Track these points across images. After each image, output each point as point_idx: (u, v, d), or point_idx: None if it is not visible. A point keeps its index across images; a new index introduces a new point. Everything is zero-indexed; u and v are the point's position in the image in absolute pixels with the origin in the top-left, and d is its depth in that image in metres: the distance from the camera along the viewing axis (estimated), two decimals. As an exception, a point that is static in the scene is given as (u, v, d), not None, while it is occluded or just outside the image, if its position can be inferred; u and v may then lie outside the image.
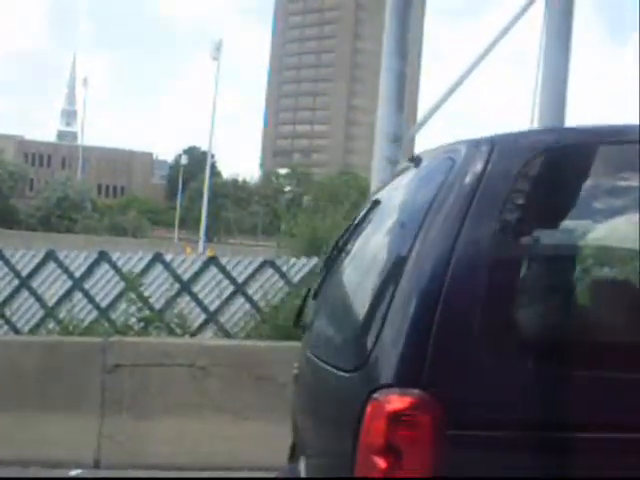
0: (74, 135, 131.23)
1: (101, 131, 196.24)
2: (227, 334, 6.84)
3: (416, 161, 2.79)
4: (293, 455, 3.63)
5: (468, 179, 2.31)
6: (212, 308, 6.97)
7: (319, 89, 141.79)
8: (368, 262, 2.74)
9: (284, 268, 6.92)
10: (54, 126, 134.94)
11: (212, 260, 7.05)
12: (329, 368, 2.65)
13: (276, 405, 6.10)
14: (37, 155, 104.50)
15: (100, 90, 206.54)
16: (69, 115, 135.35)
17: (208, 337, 6.84)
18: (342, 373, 2.50)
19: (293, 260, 7.06)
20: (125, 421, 6.03)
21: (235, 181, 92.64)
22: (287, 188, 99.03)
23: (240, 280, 6.95)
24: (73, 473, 5.68)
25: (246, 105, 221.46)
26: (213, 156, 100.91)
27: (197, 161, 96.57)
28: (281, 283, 6.83)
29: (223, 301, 6.93)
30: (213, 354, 6.16)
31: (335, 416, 2.57)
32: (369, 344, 2.31)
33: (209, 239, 52.75)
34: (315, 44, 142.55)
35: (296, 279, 6.91)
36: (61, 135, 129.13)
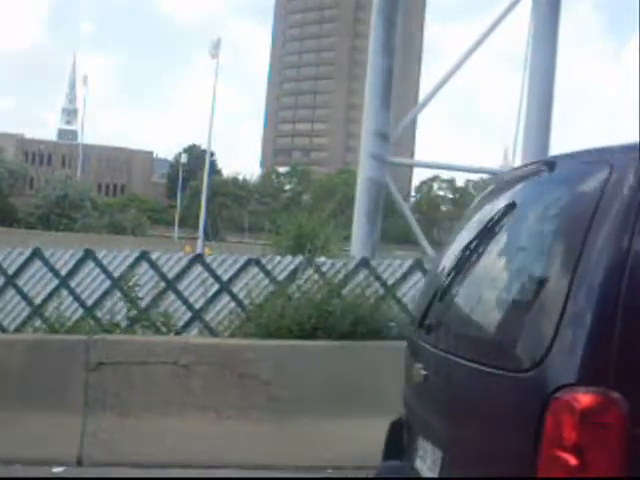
0: (74, 133, 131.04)
1: (102, 130, 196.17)
2: (212, 332, 6.84)
3: (549, 166, 2.89)
4: (392, 454, 3.70)
5: (634, 183, 2.41)
6: (197, 306, 6.96)
7: (319, 87, 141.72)
8: (523, 264, 2.79)
9: (269, 266, 6.92)
10: (55, 125, 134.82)
11: (197, 258, 7.05)
12: (486, 369, 2.66)
13: (259, 403, 6.15)
14: (37, 153, 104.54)
15: (101, 88, 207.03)
16: (69, 114, 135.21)
17: (192, 335, 6.84)
18: (509, 373, 2.52)
19: (278, 258, 7.06)
20: (108, 419, 6.05)
21: (235, 179, 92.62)
22: (287, 186, 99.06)
23: (225, 278, 6.95)
24: (56, 470, 5.69)
25: (247, 104, 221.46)
26: (213, 154, 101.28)
27: (197, 160, 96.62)
28: (266, 281, 6.83)
29: (208, 299, 6.93)
30: (196, 352, 6.18)
31: (499, 415, 2.58)
32: (544, 344, 2.35)
33: (208, 237, 52.75)
34: (315, 42, 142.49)
35: (281, 277, 6.90)
36: (62, 134, 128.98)
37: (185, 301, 6.92)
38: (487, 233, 3.06)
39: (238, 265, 6.93)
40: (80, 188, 66.07)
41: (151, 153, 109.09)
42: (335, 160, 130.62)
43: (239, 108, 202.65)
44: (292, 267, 6.89)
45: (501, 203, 3.11)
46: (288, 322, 6.20)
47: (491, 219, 3.06)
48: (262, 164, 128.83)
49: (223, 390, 6.12)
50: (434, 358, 3.17)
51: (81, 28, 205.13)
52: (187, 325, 6.95)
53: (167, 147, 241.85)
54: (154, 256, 6.97)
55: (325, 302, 6.26)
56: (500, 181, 3.58)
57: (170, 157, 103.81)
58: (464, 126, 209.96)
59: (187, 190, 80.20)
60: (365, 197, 7.91)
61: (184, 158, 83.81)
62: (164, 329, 6.82)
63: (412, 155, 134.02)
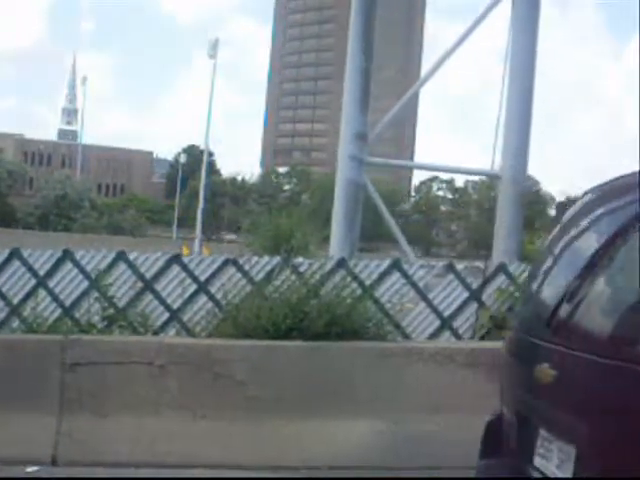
0: (75, 134, 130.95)
1: (103, 130, 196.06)
2: (189, 333, 6.85)
3: None
4: (489, 452, 3.83)
5: None
6: (175, 307, 6.98)
7: (319, 87, 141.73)
8: None
9: (246, 267, 6.94)
10: (56, 125, 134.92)
11: (175, 258, 7.06)
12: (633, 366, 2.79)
13: (234, 403, 6.16)
14: (37, 154, 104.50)
15: (102, 88, 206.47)
16: (70, 114, 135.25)
17: (169, 335, 6.86)
18: None
19: (255, 259, 7.08)
20: (84, 419, 6.05)
21: (234, 179, 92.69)
22: (286, 187, 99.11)
23: (202, 278, 6.97)
24: (30, 470, 5.71)
25: (249, 103, 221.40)
26: (212, 155, 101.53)
27: (197, 160, 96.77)
28: (244, 282, 6.85)
29: (186, 300, 6.95)
30: (171, 352, 6.18)
31: None
32: None
33: (207, 237, 52.69)
34: (315, 42, 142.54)
35: (258, 278, 6.92)
36: (62, 134, 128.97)
37: (163, 301, 6.93)
38: (613, 237, 3.21)
39: (216, 265, 6.95)
40: (79, 188, 66.08)
41: (151, 153, 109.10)
42: (335, 160, 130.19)
43: (241, 108, 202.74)
44: (269, 267, 6.91)
45: (618, 210, 3.32)
46: (264, 322, 6.21)
47: (613, 224, 3.24)
48: (262, 164, 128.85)
49: (198, 390, 6.12)
50: (569, 358, 3.23)
51: (82, 28, 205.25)
52: (165, 325, 6.96)
53: (168, 147, 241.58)
54: (132, 256, 6.98)
55: (301, 302, 6.27)
56: (605, 189, 3.70)
57: (171, 157, 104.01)
58: (466, 126, 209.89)
59: (186, 190, 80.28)
60: (343, 198, 7.94)
61: (183, 158, 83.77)
62: (142, 329, 6.83)
63: (412, 156, 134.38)
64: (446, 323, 7.18)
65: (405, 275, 7.08)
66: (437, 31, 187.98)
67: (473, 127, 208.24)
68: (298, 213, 9.52)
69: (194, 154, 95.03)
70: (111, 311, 6.84)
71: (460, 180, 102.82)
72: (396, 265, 7.10)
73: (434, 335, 7.19)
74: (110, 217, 63.18)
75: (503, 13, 8.35)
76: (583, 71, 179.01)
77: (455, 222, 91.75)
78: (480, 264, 7.35)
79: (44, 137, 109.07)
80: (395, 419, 6.12)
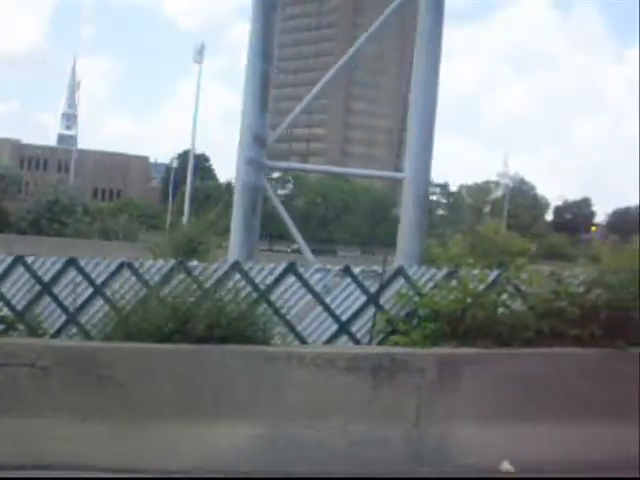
0: (74, 139, 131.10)
1: (102, 134, 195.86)
2: (87, 335, 6.92)
3: None
4: None
5: None
6: (72, 309, 7.04)
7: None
8: None
9: (141, 270, 7.00)
10: (56, 129, 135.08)
11: (71, 261, 7.12)
12: None
13: (115, 405, 6.22)
14: (33, 159, 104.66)
15: (103, 93, 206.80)
16: (69, 118, 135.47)
17: (54, 338, 6.93)
18: None
19: (150, 262, 7.14)
20: (-31, 421, 6.10)
21: (229, 184, 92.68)
22: (280, 191, 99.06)
23: (99, 282, 7.05)
24: None
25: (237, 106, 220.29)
26: (208, 159, 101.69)
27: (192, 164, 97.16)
28: (138, 285, 6.91)
29: (83, 302, 7.03)
30: (55, 354, 6.24)
31: None
32: None
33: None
34: (312, 47, 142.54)
35: (153, 281, 6.99)
36: (61, 138, 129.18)
37: (60, 304, 7.00)
38: None
39: (111, 269, 7.03)
40: (72, 193, 66.23)
41: (147, 158, 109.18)
42: (332, 165, 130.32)
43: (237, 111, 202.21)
44: (165, 271, 6.97)
45: None
46: (148, 325, 6.28)
47: None
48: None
49: (81, 392, 6.17)
50: None
51: (83, 32, 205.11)
52: (62, 328, 7.02)
53: (170, 152, 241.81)
54: (29, 260, 7.05)
55: (184, 305, 6.33)
56: None
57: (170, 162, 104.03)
58: (468, 133, 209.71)
59: (177, 195, 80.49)
60: (241, 202, 8.00)
61: (175, 163, 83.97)
62: (40, 332, 6.90)
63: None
64: (344, 327, 7.22)
65: (300, 278, 7.14)
66: (448, 32, 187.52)
67: (474, 133, 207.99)
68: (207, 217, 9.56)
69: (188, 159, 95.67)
70: (8, 314, 6.90)
71: (454, 185, 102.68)
72: (291, 269, 7.14)
73: (331, 339, 7.23)
74: (103, 222, 63.22)
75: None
76: (586, 75, 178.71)
77: (449, 226, 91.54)
78: (378, 267, 7.36)
79: (44, 142, 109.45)
80: (275, 423, 6.17)
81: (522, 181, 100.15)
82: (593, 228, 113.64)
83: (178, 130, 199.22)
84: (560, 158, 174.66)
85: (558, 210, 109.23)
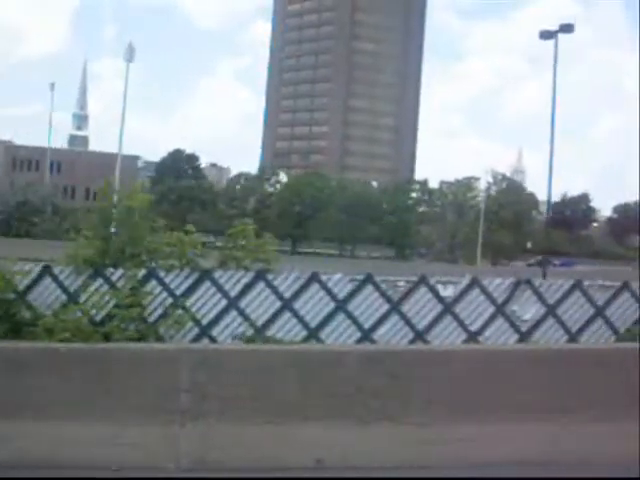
0: (85, 139, 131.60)
1: (112, 134, 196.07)
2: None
3: None
4: None
5: None
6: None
7: (317, 90, 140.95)
8: None
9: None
10: (67, 130, 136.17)
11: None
12: None
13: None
14: (25, 160, 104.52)
15: (112, 93, 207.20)
16: (80, 119, 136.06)
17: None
18: None
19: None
20: None
21: (202, 183, 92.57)
22: (270, 189, 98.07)
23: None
24: None
25: (255, 106, 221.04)
26: (197, 159, 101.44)
27: (180, 163, 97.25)
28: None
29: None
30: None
31: None
32: None
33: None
34: (313, 45, 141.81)
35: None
36: (72, 139, 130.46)
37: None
38: None
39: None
40: (43, 193, 65.76)
41: (137, 157, 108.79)
42: (333, 162, 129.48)
43: (255, 111, 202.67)
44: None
45: None
46: None
47: None
48: (261, 168, 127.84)
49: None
50: None
51: (96, 33, 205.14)
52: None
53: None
54: None
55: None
56: None
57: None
58: (484, 128, 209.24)
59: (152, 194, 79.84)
60: None
61: (140, 164, 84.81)
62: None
63: (413, 162, 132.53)
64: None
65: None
66: (442, 30, 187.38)
67: (490, 128, 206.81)
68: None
69: (178, 158, 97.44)
70: None
71: (434, 181, 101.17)
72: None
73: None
74: (74, 221, 62.13)
75: None
76: (604, 72, 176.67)
77: (431, 224, 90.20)
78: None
79: (56, 143, 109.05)
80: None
81: (505, 177, 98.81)
82: (595, 224, 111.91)
83: (183, 130, 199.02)
84: (579, 153, 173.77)
85: (556, 206, 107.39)
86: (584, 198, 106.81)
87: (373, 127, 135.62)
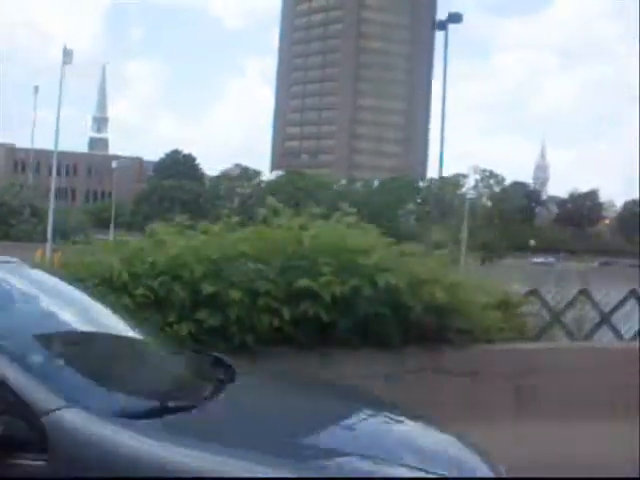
0: (105, 142, 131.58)
1: (141, 137, 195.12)
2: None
3: None
4: None
5: None
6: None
7: (325, 89, 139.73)
8: None
9: None
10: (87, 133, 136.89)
11: None
12: None
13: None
14: (27, 162, 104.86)
15: (132, 96, 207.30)
16: (100, 122, 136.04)
17: None
18: None
19: None
20: None
21: (184, 185, 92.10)
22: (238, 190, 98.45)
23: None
24: None
25: (260, 105, 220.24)
26: (194, 159, 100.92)
27: (177, 164, 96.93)
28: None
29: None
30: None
31: None
32: None
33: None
34: (321, 44, 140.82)
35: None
36: (92, 142, 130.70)
37: None
38: None
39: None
40: (24, 195, 65.04)
41: (139, 159, 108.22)
42: (342, 162, 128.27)
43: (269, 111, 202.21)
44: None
45: None
46: None
47: None
48: (272, 167, 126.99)
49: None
50: None
51: (114, 36, 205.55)
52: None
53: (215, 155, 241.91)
54: None
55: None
56: None
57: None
58: (508, 123, 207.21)
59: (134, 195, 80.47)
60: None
61: (124, 163, 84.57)
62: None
63: (425, 156, 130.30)
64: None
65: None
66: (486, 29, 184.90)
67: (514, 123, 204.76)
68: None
69: (175, 159, 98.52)
70: None
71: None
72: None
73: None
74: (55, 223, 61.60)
75: None
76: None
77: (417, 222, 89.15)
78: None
79: (77, 146, 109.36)
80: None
81: (492, 174, 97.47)
82: (607, 222, 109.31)
83: (213, 134, 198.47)
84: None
85: (563, 203, 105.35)
86: (593, 194, 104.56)
87: (382, 125, 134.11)
